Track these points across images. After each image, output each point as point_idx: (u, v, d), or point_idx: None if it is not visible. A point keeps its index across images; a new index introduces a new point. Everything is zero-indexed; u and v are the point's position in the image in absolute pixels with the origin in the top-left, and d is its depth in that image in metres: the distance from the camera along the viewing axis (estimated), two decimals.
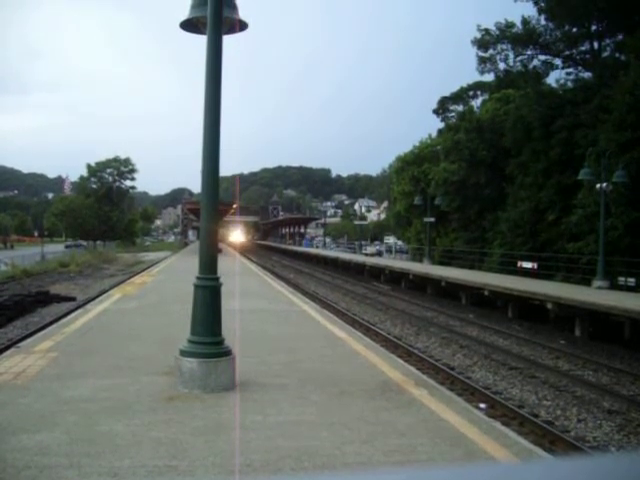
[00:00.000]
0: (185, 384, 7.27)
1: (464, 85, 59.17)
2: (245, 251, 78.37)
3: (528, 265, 31.98)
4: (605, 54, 37.43)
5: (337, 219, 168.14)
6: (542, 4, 37.45)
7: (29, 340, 11.53)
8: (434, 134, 57.39)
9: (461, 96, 59.31)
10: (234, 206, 71.00)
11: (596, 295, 20.89)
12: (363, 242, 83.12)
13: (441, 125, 58.68)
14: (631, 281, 25.14)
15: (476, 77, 50.52)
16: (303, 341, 11.17)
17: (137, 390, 7.30)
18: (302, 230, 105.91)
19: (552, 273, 29.56)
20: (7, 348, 12.79)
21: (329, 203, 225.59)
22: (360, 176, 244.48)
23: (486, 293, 25.21)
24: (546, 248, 31.83)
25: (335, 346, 10.74)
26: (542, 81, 39.68)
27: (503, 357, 17.12)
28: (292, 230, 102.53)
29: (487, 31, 39.85)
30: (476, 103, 56.68)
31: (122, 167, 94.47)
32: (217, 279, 7.62)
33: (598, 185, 24.91)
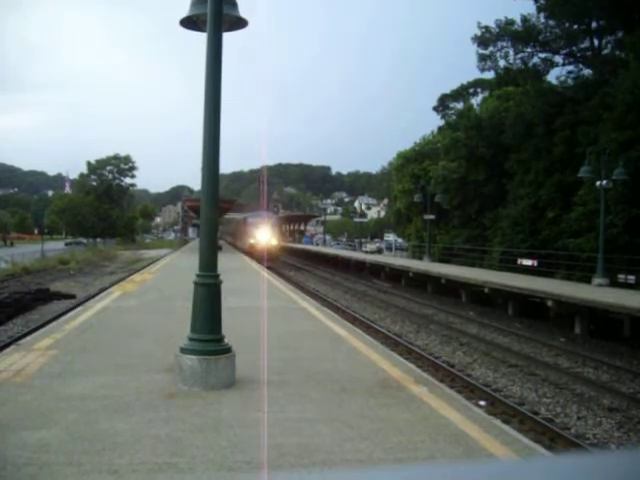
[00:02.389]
0: (185, 381, 7.28)
1: (464, 82, 59.17)
2: (275, 261, 49.06)
3: (528, 262, 32.01)
4: (605, 51, 37.41)
5: (337, 216, 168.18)
6: (542, 1, 37.42)
7: (29, 338, 11.54)
8: (435, 131, 57.45)
9: (461, 93, 59.31)
10: (236, 203, 67.63)
11: (596, 292, 20.90)
12: (363, 239, 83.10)
13: (441, 122, 58.73)
14: (631, 278, 25.16)
15: (476, 74, 50.46)
16: (303, 339, 11.17)
17: (137, 387, 7.30)
18: (302, 227, 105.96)
19: (552, 270, 29.58)
20: (7, 345, 12.79)
21: (329, 201, 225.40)
22: (360, 173, 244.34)
23: (486, 291, 25.22)
24: (546, 245, 31.83)
25: (335, 343, 10.75)
26: (542, 78, 39.67)
27: (503, 354, 17.13)
28: (292, 227, 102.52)
29: (487, 28, 39.82)
30: (476, 100, 56.71)
31: (122, 164, 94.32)
32: (217, 277, 7.62)
33: (598, 182, 24.94)
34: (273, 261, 46.66)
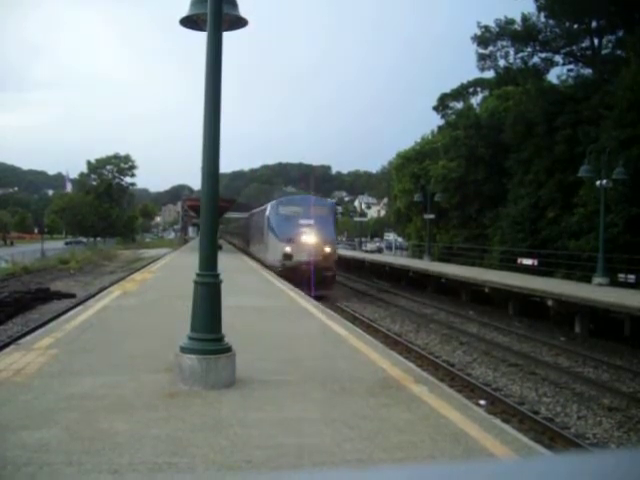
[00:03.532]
0: (185, 381, 7.27)
1: (464, 82, 59.14)
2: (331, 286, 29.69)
3: (528, 262, 32.02)
4: (606, 51, 37.42)
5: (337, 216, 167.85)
6: (542, 1, 37.43)
7: (29, 337, 11.53)
8: (435, 131, 57.41)
9: (461, 93, 59.27)
10: (237, 202, 64.52)
11: (596, 292, 20.91)
12: (363, 239, 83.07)
13: (441, 122, 58.69)
14: (631, 278, 25.17)
15: (477, 74, 50.45)
16: (303, 338, 11.16)
17: (137, 387, 7.30)
18: None
19: (552, 270, 29.59)
20: (7, 345, 12.80)
21: (329, 200, 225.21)
22: (360, 173, 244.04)
23: (486, 290, 25.23)
24: (546, 245, 31.83)
25: (335, 343, 10.75)
26: (542, 78, 39.67)
27: (503, 354, 17.14)
28: None
29: (487, 28, 39.83)
30: (476, 100, 56.68)
31: (122, 164, 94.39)
32: (217, 276, 7.61)
33: (598, 182, 24.94)
34: (328, 286, 28.24)
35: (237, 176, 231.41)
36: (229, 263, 28.38)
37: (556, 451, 9.05)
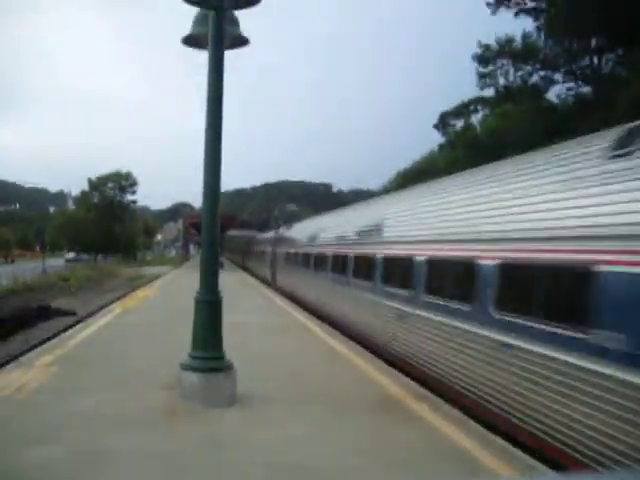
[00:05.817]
0: (186, 398, 7.26)
1: (465, 100, 59.26)
2: None
3: None
4: (606, 69, 37.59)
5: None
6: (542, 20, 37.67)
7: (30, 354, 11.51)
8: (435, 148, 57.55)
9: (462, 111, 59.38)
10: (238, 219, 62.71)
11: None
12: None
13: (442, 140, 58.84)
14: None
15: (478, 91, 50.62)
16: (303, 355, 11.15)
17: (137, 404, 7.29)
18: None
19: None
20: (8, 362, 12.75)
21: None
22: (361, 190, 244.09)
23: None
24: None
25: (335, 360, 10.72)
26: (543, 96, 39.83)
27: None
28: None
29: (487, 47, 40.04)
30: (476, 118, 56.79)
31: (123, 181, 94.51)
32: (218, 294, 7.61)
33: None
34: None
35: (238, 194, 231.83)
36: (230, 279, 28.36)
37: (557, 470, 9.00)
